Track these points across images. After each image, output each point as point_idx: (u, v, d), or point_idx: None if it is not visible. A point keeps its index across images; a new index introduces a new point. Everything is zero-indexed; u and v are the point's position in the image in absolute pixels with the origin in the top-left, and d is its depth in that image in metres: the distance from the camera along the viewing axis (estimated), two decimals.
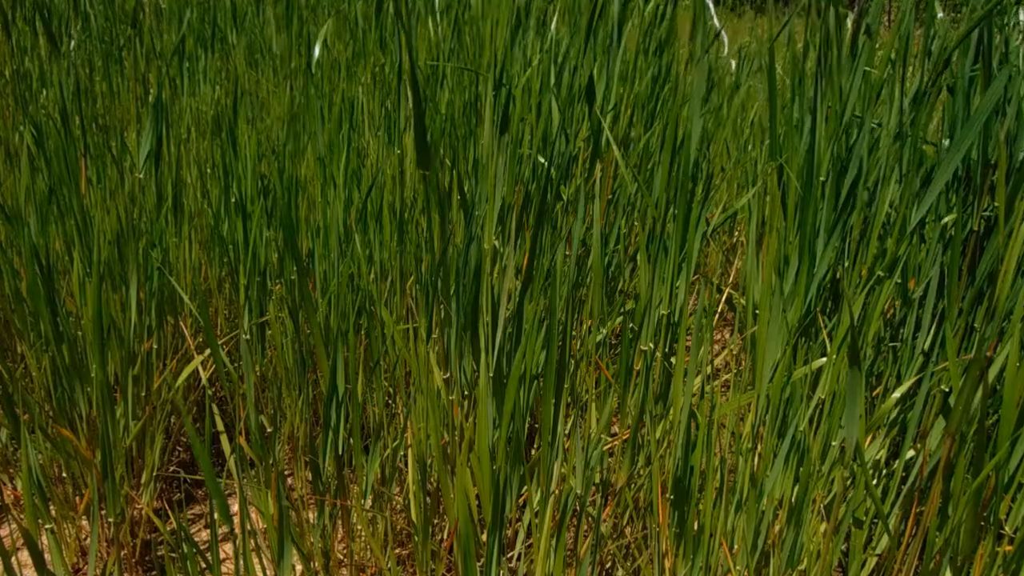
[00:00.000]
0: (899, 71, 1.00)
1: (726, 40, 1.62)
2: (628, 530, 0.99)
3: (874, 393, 1.04)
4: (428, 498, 0.94)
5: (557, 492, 0.93)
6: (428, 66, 1.55)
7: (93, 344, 0.91)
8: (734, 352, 1.19)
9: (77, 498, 0.93)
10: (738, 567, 0.89)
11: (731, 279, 1.25)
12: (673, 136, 0.97)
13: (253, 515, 1.00)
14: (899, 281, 1.00)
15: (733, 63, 1.63)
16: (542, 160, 1.28)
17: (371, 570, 0.94)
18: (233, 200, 1.12)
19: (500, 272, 1.09)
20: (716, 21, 1.21)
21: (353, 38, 1.72)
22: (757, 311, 1.07)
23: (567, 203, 1.30)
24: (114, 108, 1.45)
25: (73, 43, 1.61)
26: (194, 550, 0.71)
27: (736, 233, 1.46)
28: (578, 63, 1.34)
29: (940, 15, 0.97)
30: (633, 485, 0.99)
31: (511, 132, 1.26)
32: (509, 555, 0.96)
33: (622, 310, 1.20)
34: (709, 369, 0.95)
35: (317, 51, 1.60)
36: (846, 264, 1.05)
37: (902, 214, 0.95)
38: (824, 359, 0.94)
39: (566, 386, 1.00)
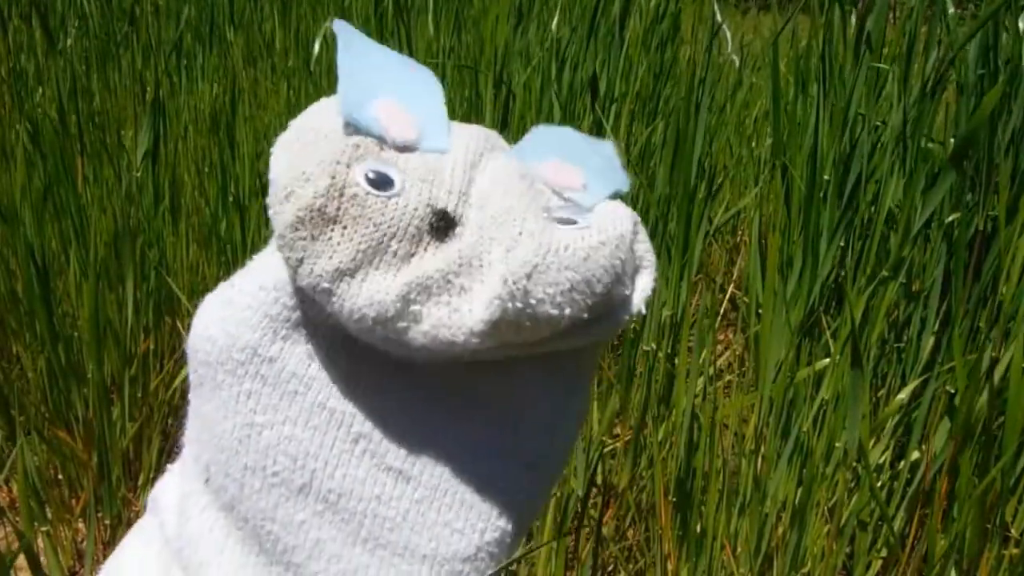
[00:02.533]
0: (902, 69, 0.99)
1: (729, 36, 1.61)
2: (630, 532, 0.98)
3: (878, 394, 1.03)
4: None
5: (558, 494, 0.92)
6: (427, 63, 1.53)
7: (90, 344, 0.90)
8: (737, 353, 1.18)
9: (73, 500, 0.92)
10: (741, 570, 0.88)
11: (734, 278, 1.24)
12: (676, 133, 0.96)
13: None
14: (903, 281, 0.99)
15: (736, 59, 1.62)
16: None
17: None
18: (231, 198, 1.11)
19: None
20: (719, 17, 1.20)
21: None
22: (760, 311, 1.06)
23: None
24: (111, 105, 1.44)
25: (70, 40, 1.60)
26: None
27: (739, 232, 1.45)
28: (580, 60, 1.33)
29: (952, 11, 0.96)
30: (635, 487, 0.98)
31: (511, 129, 1.25)
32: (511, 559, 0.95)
33: None
34: (712, 370, 0.94)
35: (317, 47, 1.59)
36: (849, 264, 1.04)
37: (907, 213, 0.94)
38: (827, 360, 0.93)
39: None
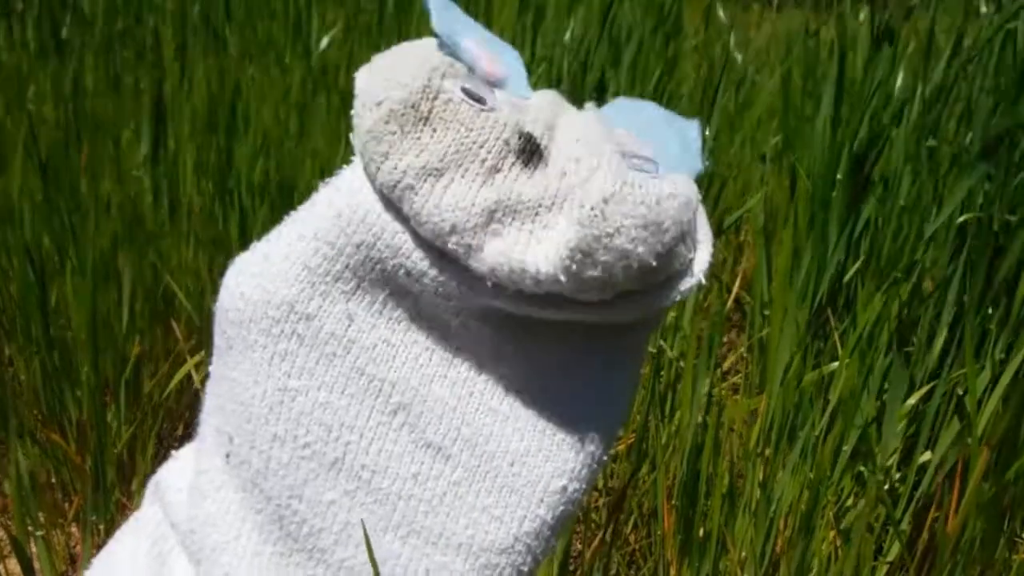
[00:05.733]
0: (921, 64, 0.98)
1: (732, 34, 1.60)
2: (632, 537, 0.96)
3: (884, 397, 1.01)
4: None
5: None
6: None
7: (85, 346, 0.88)
8: (744, 355, 1.17)
9: (67, 504, 0.91)
10: (745, 575, 0.86)
11: (739, 279, 1.23)
12: None
13: None
14: (915, 282, 0.98)
15: (739, 56, 1.61)
16: None
17: None
18: (229, 197, 1.10)
19: None
20: (723, 15, 1.19)
21: (355, 34, 1.69)
22: (765, 312, 1.04)
23: None
24: (109, 103, 1.42)
25: (64, 33, 1.59)
26: None
27: (743, 232, 1.43)
28: (589, 60, 1.32)
29: (984, 9, 0.94)
30: (637, 490, 0.97)
31: None
32: None
33: None
34: (717, 372, 0.92)
35: (325, 42, 1.58)
36: (858, 265, 1.02)
37: (920, 213, 0.92)
38: (835, 364, 0.92)
39: None
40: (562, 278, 0.24)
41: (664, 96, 1.40)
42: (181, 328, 1.01)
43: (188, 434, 1.06)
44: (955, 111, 1.05)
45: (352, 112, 0.26)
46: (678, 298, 0.26)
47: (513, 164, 0.25)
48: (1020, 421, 0.80)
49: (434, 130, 0.25)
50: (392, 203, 0.25)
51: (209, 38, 1.66)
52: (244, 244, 0.97)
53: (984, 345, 0.94)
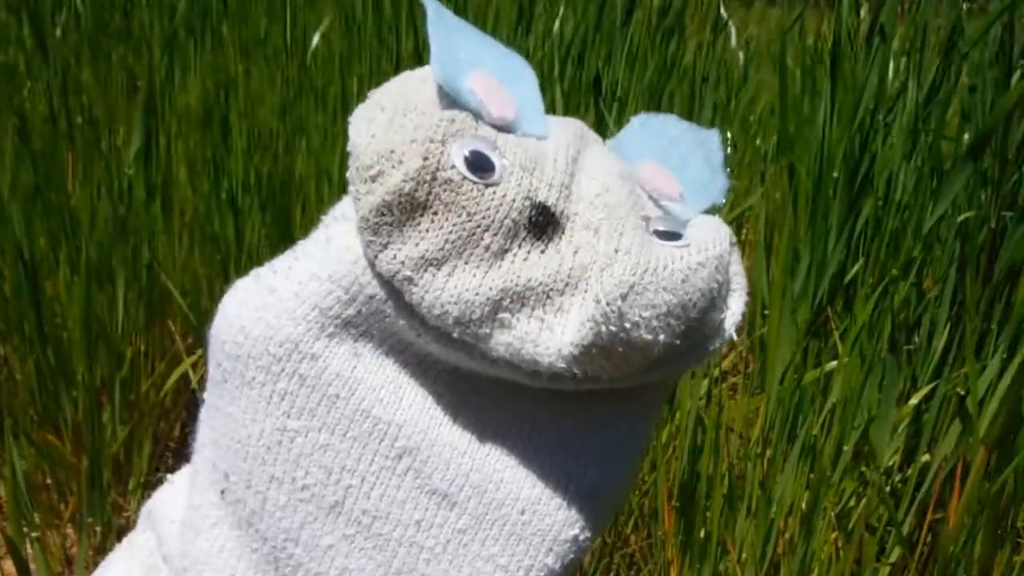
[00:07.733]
0: (915, 62, 0.97)
1: (734, 31, 1.59)
2: (633, 538, 0.96)
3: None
4: None
5: None
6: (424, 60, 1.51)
7: (80, 346, 0.88)
8: (743, 355, 1.16)
9: (63, 505, 0.90)
10: None
11: None
12: None
13: None
14: (915, 281, 0.97)
15: (741, 55, 1.60)
16: None
17: None
18: (224, 195, 1.09)
19: None
20: (724, 11, 1.18)
21: (350, 31, 1.68)
22: (765, 312, 1.04)
23: None
24: (102, 101, 1.41)
25: (58, 30, 1.58)
26: None
27: (744, 231, 1.43)
28: (585, 57, 1.31)
29: (965, 7, 0.94)
30: (638, 491, 0.96)
31: None
32: None
33: None
34: (717, 372, 0.92)
35: (316, 40, 1.57)
36: (859, 262, 1.02)
37: (917, 212, 0.92)
38: (835, 363, 0.91)
39: None
40: (575, 371, 0.23)
41: (664, 96, 1.40)
42: (177, 327, 1.00)
43: (185, 435, 1.05)
44: (955, 107, 1.04)
45: (348, 170, 0.24)
46: (706, 359, 0.25)
47: (524, 240, 0.23)
48: (1021, 421, 0.79)
49: (435, 214, 0.23)
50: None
51: (205, 34, 1.65)
52: (240, 242, 0.96)
53: (985, 345, 0.93)
